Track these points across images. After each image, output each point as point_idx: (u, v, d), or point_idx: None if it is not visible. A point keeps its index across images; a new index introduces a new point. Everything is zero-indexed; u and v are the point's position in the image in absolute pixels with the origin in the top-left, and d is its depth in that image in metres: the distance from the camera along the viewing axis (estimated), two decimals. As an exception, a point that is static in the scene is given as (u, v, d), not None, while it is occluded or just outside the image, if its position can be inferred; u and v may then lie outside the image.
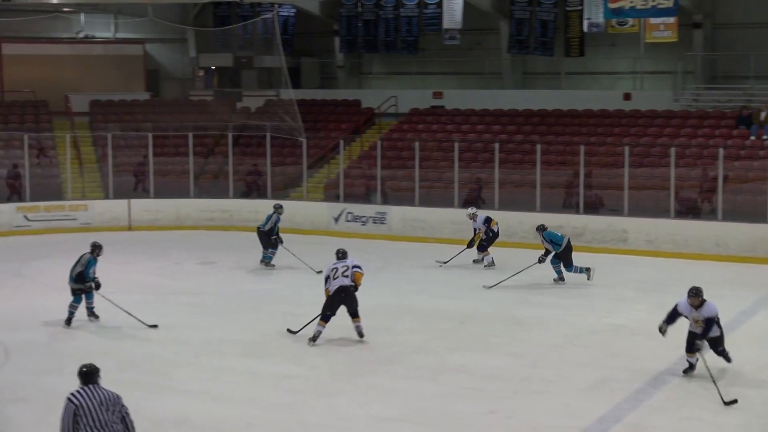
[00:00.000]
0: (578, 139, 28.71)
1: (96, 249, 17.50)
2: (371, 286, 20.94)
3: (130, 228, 29.03)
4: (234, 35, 38.42)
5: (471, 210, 24.00)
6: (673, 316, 13.92)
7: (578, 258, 21.32)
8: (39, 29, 36.92)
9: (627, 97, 31.67)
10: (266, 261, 22.95)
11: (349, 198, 28.77)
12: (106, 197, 29.88)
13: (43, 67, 36.67)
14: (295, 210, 28.83)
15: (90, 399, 8.73)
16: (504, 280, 20.79)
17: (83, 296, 17.41)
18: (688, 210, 25.55)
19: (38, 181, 29.54)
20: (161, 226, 28.95)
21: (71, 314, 17.39)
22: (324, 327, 16.12)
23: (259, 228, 23.01)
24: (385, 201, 28.60)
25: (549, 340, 16.51)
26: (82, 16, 38.49)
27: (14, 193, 29.02)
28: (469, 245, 23.22)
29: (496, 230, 23.48)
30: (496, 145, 27.55)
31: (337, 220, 27.76)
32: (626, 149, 26.13)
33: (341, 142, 30.45)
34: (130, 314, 17.36)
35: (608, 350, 15.58)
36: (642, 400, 13.01)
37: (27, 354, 15.65)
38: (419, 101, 34.07)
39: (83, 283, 17.23)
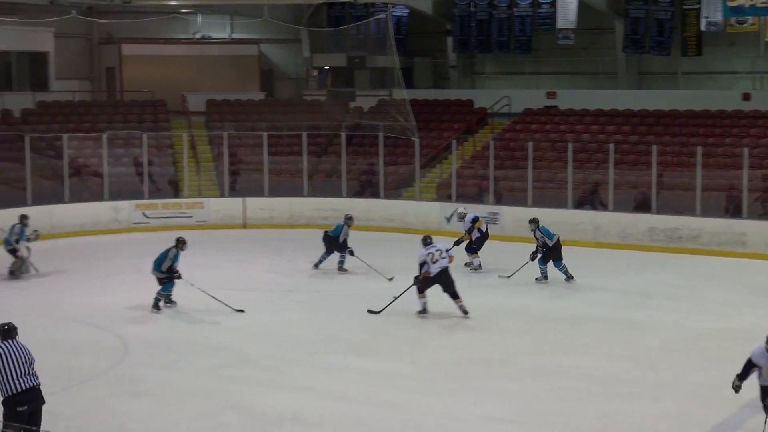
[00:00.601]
0: (695, 140, 28.14)
1: (180, 243, 18.86)
2: (481, 285, 20.91)
3: (244, 226, 29.42)
4: (347, 35, 38.66)
5: (461, 209, 24.01)
6: (747, 368, 11.17)
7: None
8: (157, 30, 37.69)
9: (746, 97, 30.91)
10: (340, 265, 22.86)
11: (462, 198, 28.67)
12: (222, 195, 30.35)
13: (161, 67, 37.41)
14: (406, 209, 28.90)
15: (9, 350, 10.29)
16: (514, 274, 21.51)
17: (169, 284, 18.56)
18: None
19: (156, 179, 30.15)
20: (275, 224, 29.28)
21: (157, 300, 18.51)
22: (426, 296, 17.82)
23: (327, 232, 22.94)
24: (498, 201, 28.46)
25: (664, 344, 16.24)
26: (199, 17, 39.18)
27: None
28: (456, 243, 22.48)
29: (484, 230, 23.23)
30: (611, 146, 27.17)
31: (449, 220, 27.70)
32: (745, 150, 25.54)
33: (454, 142, 30.40)
34: (217, 299, 17.85)
35: (724, 355, 15.21)
36: (760, 407, 12.68)
37: (145, 348, 15.98)
38: (532, 101, 33.80)
39: (170, 273, 18.55)
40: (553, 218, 25.09)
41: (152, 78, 36.43)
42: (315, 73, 39.83)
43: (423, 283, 17.93)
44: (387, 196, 29.64)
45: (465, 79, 38.37)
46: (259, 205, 29.73)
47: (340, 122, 33.29)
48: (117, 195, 29.06)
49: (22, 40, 34.64)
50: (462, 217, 23.39)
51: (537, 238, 21.25)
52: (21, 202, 27.23)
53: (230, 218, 29.48)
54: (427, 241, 18.27)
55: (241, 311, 18.13)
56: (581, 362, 15.04)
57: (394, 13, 36.56)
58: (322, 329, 17.30)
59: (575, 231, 25.41)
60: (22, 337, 10.64)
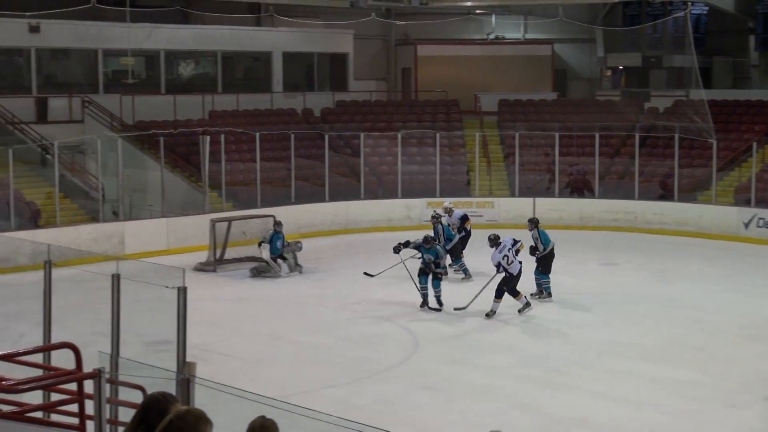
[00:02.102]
0: None
1: (277, 225, 22.15)
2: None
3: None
4: (643, 34, 37.85)
5: (448, 203, 23.31)
6: None
7: None
8: (452, 31, 38.28)
9: None
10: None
11: (762, 203, 27.40)
12: (512, 195, 30.41)
13: (455, 67, 37.97)
14: (701, 213, 27.92)
15: None
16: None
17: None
18: None
19: (448, 178, 30.60)
20: (565, 225, 29.02)
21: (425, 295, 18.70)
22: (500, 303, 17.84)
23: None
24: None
25: None
26: (494, 18, 39.46)
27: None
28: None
29: (469, 229, 22.48)
30: None
31: (747, 225, 26.57)
32: None
33: (754, 145, 29.09)
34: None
35: None
36: None
37: (435, 344, 16.26)
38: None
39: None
40: None
41: (446, 78, 37.04)
42: (609, 73, 39.23)
43: (506, 284, 17.97)
44: (681, 199, 28.75)
45: (767, 78, 36.67)
46: (548, 206, 29.56)
47: (634, 123, 32.59)
48: (410, 193, 29.71)
49: (323, 42, 36.13)
50: (448, 212, 22.71)
51: (533, 239, 19.70)
52: (320, 198, 28.37)
53: (520, 218, 29.33)
54: (494, 241, 18.49)
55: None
56: None
57: (693, 11, 35.46)
58: (613, 333, 17.01)
59: None
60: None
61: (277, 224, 22.74)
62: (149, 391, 8.10)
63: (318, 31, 35.61)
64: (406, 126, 32.68)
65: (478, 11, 38.32)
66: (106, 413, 7.07)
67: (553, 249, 19.63)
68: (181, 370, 7.31)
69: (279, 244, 22.25)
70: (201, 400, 7.09)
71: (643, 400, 13.19)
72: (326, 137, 29.47)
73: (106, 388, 7.11)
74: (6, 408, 7.44)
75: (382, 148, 31.61)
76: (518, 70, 38.24)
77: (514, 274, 17.98)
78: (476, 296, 18.29)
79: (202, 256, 23.19)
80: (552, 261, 19.64)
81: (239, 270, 22.58)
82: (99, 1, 29.44)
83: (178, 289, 8.32)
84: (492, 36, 39.54)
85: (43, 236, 21.81)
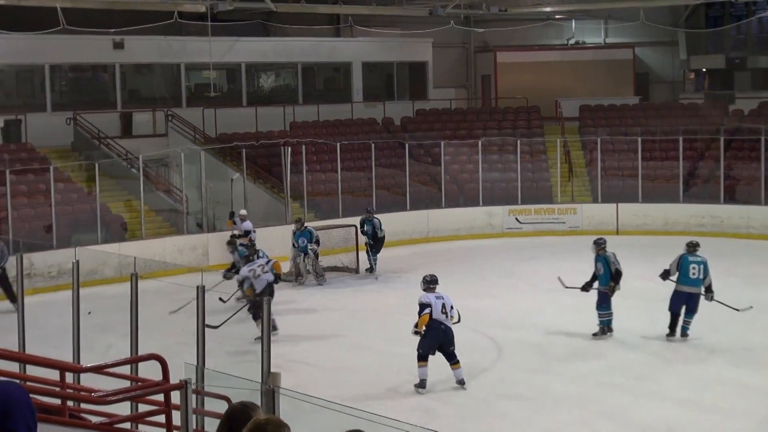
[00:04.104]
0: None
1: (298, 222, 22.50)
2: None
3: (617, 232, 29.00)
4: (727, 36, 37.27)
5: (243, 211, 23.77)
6: None
7: None
8: (531, 37, 38.09)
9: None
10: None
11: None
12: (595, 201, 30.12)
13: (535, 73, 37.77)
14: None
15: None
16: None
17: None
18: None
19: (529, 185, 30.43)
20: (649, 231, 28.66)
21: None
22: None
23: None
24: None
25: None
26: (573, 23, 39.17)
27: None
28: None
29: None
30: None
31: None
32: None
33: None
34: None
35: None
36: None
37: (518, 352, 16.15)
38: None
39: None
40: None
41: (526, 84, 36.86)
42: (692, 75, 38.67)
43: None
44: (768, 203, 28.22)
45: None
46: (632, 212, 29.22)
47: (719, 126, 32.05)
48: (491, 200, 29.60)
49: (402, 51, 36.22)
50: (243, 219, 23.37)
51: (596, 267, 17.19)
52: (401, 207, 28.40)
53: (603, 224, 29.16)
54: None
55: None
56: None
57: (777, 11, 34.81)
58: (701, 339, 16.71)
59: None
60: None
61: (297, 221, 23.09)
62: (234, 399, 8.19)
63: (397, 41, 35.71)
64: (487, 133, 32.57)
65: (557, 17, 38.06)
66: (193, 423, 7.13)
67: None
68: (266, 380, 7.35)
69: (301, 241, 22.47)
70: (285, 411, 7.12)
71: (732, 407, 12.96)
72: (407, 146, 29.52)
73: (192, 399, 7.18)
74: (96, 419, 7.57)
75: (462, 156, 31.55)
76: (599, 74, 37.90)
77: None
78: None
79: (285, 267, 23.33)
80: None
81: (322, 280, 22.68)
82: (181, 17, 29.93)
83: (264, 299, 8.37)
84: (572, 41, 39.26)
85: (129, 249, 22.23)
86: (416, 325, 14.09)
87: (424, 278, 14.69)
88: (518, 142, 30.89)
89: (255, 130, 30.53)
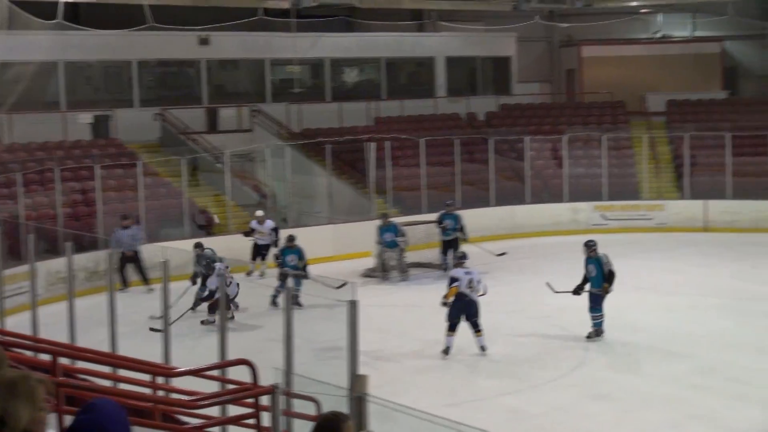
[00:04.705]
0: None
1: (383, 217, 22.65)
2: None
3: (705, 229, 28.52)
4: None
5: (259, 212, 22.98)
6: None
7: None
8: (617, 31, 37.57)
9: None
10: None
11: None
12: (682, 197, 29.64)
13: (621, 67, 37.24)
14: None
15: None
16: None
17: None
18: None
19: (615, 181, 30.05)
20: (739, 228, 28.10)
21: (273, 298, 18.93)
22: None
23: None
24: None
25: None
26: (660, 17, 38.58)
27: None
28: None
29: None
30: None
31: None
32: None
33: None
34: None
35: None
36: None
37: (606, 352, 15.95)
38: None
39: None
40: None
41: (611, 79, 36.39)
42: (783, 70, 37.88)
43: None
44: None
45: None
46: (721, 208, 28.68)
47: (812, 120, 31.31)
48: (576, 196, 29.29)
49: (486, 45, 36.02)
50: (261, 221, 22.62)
51: (587, 269, 16.83)
52: (484, 203, 28.26)
53: (690, 221, 28.68)
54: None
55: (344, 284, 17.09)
56: None
57: None
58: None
59: None
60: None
61: (383, 216, 23.07)
62: (322, 403, 8.19)
63: (480, 35, 35.53)
64: (571, 128, 32.19)
65: (643, 10, 37.52)
66: (281, 425, 7.15)
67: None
68: (353, 384, 7.33)
69: (387, 236, 22.41)
70: (374, 415, 7.10)
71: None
72: (490, 141, 29.35)
73: (281, 401, 7.19)
74: (191, 421, 7.65)
75: (547, 151, 31.29)
76: (686, 69, 37.22)
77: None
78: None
79: (369, 263, 23.37)
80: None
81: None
82: (266, 13, 30.13)
83: (349, 302, 8.35)
84: (659, 35, 38.66)
85: (215, 244, 22.40)
86: (445, 296, 15.77)
87: (455, 254, 17.14)
88: (604, 137, 30.51)
89: (339, 125, 30.63)
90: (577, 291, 16.92)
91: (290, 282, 19.37)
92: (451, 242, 22.93)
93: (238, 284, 17.75)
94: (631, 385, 14.06)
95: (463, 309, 15.61)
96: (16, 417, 3.44)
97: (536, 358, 15.61)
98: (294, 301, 18.98)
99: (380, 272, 22.51)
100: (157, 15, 27.50)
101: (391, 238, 22.34)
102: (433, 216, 24.75)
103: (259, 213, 23.04)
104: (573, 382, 14.26)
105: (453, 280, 15.74)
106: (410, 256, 23.42)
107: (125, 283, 21.02)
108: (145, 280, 21.21)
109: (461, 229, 23.09)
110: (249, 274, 22.33)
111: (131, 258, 21.35)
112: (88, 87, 30.88)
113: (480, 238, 25.88)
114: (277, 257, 20.55)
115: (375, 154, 27.31)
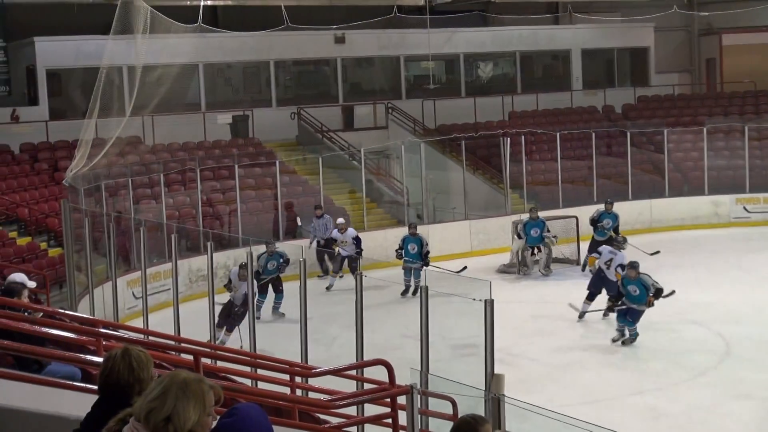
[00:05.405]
0: None
1: (532, 211, 22.15)
2: None
3: None
4: None
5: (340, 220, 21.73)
6: None
7: None
8: (759, 18, 36.48)
9: None
10: None
11: None
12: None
13: (763, 55, 36.17)
14: None
15: None
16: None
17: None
18: None
19: (758, 172, 29.25)
20: None
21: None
22: None
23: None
24: None
25: None
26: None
27: None
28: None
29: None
30: None
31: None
32: None
33: None
34: None
35: None
36: None
37: (748, 349, 15.58)
38: None
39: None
40: None
41: (754, 67, 35.39)
42: None
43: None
44: None
45: None
46: None
47: None
48: (717, 189, 28.62)
49: (623, 36, 35.45)
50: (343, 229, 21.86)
51: (628, 290, 16.07)
52: (623, 197, 27.82)
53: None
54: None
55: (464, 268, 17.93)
56: None
57: None
58: None
59: None
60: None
61: (532, 210, 22.73)
62: (459, 403, 8.25)
63: (617, 26, 35.00)
64: (712, 119, 31.47)
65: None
66: (418, 424, 7.23)
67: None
68: (489, 383, 7.36)
69: (534, 232, 22.05)
70: (510, 415, 7.13)
71: None
72: (628, 134, 28.92)
73: (418, 400, 7.27)
74: (330, 419, 7.81)
75: (686, 143, 30.67)
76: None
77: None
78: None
79: (505, 258, 23.30)
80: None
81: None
82: (400, 11, 30.30)
83: (485, 301, 8.38)
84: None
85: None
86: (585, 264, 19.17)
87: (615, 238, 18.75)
88: (746, 127, 29.72)
89: (474, 120, 30.59)
90: (610, 310, 16.85)
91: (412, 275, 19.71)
92: (606, 242, 22.27)
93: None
94: (774, 384, 13.72)
95: (601, 283, 17.38)
96: (184, 417, 3.52)
97: (675, 354, 15.33)
98: (414, 292, 19.30)
99: (521, 267, 22.29)
100: (293, 15, 27.92)
101: (537, 234, 22.08)
102: (570, 211, 24.55)
103: (341, 221, 22.21)
104: (713, 381, 14.00)
105: (598, 253, 17.95)
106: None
107: (326, 271, 21.88)
108: (335, 269, 21.87)
109: (616, 229, 22.49)
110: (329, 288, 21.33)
111: (326, 245, 22.14)
112: (227, 88, 31.59)
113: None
114: (399, 247, 20.74)
115: (510, 148, 27.20)
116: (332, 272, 21.77)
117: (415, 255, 20.48)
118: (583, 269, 21.69)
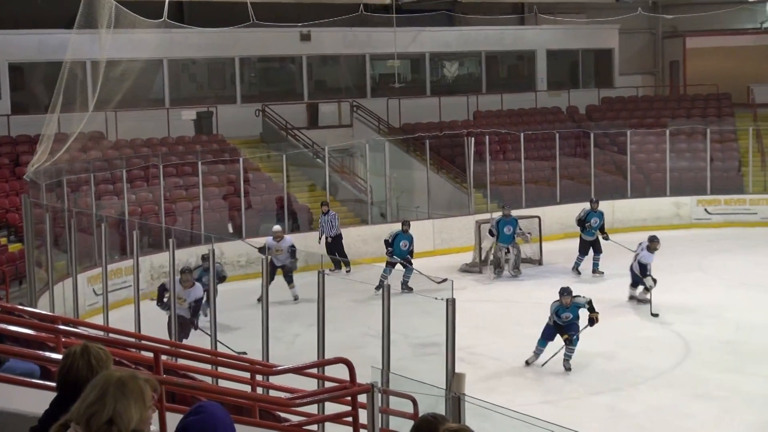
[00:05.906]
0: None
1: (504, 209, 22.07)
2: None
3: (812, 224, 27.84)
4: None
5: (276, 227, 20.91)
6: None
7: None
8: (722, 21, 36.78)
9: None
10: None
11: None
12: (789, 192, 28.99)
13: (726, 59, 36.47)
14: None
15: None
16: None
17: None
18: None
19: (719, 174, 29.51)
20: None
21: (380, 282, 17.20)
22: None
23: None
24: None
25: None
26: (767, 6, 37.72)
27: None
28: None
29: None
30: None
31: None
32: None
33: None
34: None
35: None
36: None
37: (707, 349, 15.71)
38: None
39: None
40: None
41: (716, 70, 35.67)
42: None
43: None
44: None
45: None
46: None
47: None
48: (679, 190, 28.83)
49: (588, 37, 35.66)
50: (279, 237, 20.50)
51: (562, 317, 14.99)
52: (585, 197, 27.92)
53: (797, 216, 28.03)
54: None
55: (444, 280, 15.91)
56: None
57: None
58: None
59: None
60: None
61: (503, 207, 22.79)
62: (420, 402, 8.26)
63: (582, 28, 35.17)
64: (675, 121, 31.70)
65: (750, 0, 36.71)
66: (379, 423, 7.23)
67: None
68: (450, 382, 7.38)
69: (507, 230, 22.01)
70: (470, 413, 7.14)
71: None
72: (591, 135, 29.06)
73: (378, 399, 7.27)
74: (289, 417, 7.79)
75: (649, 144, 30.87)
76: (794, 59, 36.34)
77: None
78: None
79: (468, 257, 23.35)
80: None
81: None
82: (366, 9, 30.27)
83: (447, 300, 8.39)
84: (766, 25, 37.80)
85: (315, 239, 22.68)
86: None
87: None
88: (708, 130, 29.97)
89: (438, 119, 30.65)
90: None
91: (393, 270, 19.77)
92: (593, 242, 22.25)
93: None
94: (733, 383, 13.82)
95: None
96: (127, 417, 3.46)
97: (634, 356, 15.42)
98: (404, 288, 19.34)
99: (495, 268, 22.21)
100: (259, 12, 27.80)
101: (510, 231, 22.05)
102: (533, 211, 24.67)
103: (277, 228, 20.88)
104: (672, 381, 14.10)
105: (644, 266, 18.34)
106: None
107: (338, 265, 21.86)
108: (346, 263, 22.14)
109: (602, 228, 22.52)
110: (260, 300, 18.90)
111: (334, 240, 22.63)
112: (192, 84, 31.45)
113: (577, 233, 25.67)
114: (388, 243, 20.67)
115: (474, 148, 27.26)
116: (345, 267, 22.04)
117: (405, 251, 20.57)
118: (574, 269, 21.88)
